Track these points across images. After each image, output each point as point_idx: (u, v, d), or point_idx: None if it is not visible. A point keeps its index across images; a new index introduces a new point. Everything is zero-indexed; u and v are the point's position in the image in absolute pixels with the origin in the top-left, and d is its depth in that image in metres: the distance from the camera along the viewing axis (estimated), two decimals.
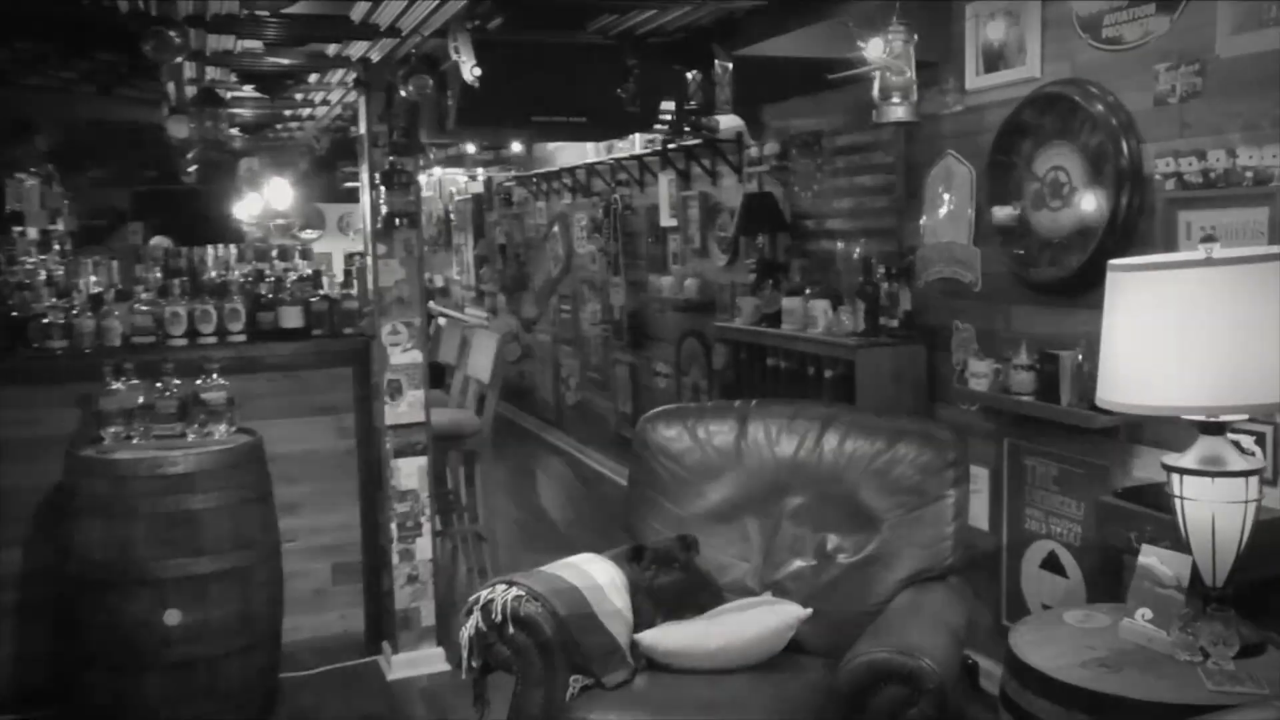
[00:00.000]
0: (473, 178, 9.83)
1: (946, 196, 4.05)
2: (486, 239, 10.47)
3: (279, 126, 5.79)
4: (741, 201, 5.13)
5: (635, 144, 6.64)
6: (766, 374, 4.68)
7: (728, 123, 5.60)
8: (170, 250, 4.99)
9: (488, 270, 10.28)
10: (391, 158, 4.03)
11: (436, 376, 5.00)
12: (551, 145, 8.34)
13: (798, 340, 4.46)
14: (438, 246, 12.61)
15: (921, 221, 4.18)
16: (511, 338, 10.02)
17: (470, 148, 8.31)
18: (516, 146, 8.63)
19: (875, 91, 3.49)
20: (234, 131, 5.71)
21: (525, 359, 9.64)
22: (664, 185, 6.44)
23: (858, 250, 4.37)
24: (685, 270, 6.18)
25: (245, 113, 5.62)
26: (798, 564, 3.16)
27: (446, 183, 11.79)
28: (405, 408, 4.17)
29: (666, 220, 6.46)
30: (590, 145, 7.42)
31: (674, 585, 2.92)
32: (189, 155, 5.37)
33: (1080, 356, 3.33)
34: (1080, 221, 3.36)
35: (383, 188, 4.06)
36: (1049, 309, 3.56)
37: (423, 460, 4.21)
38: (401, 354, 4.15)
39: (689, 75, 3.18)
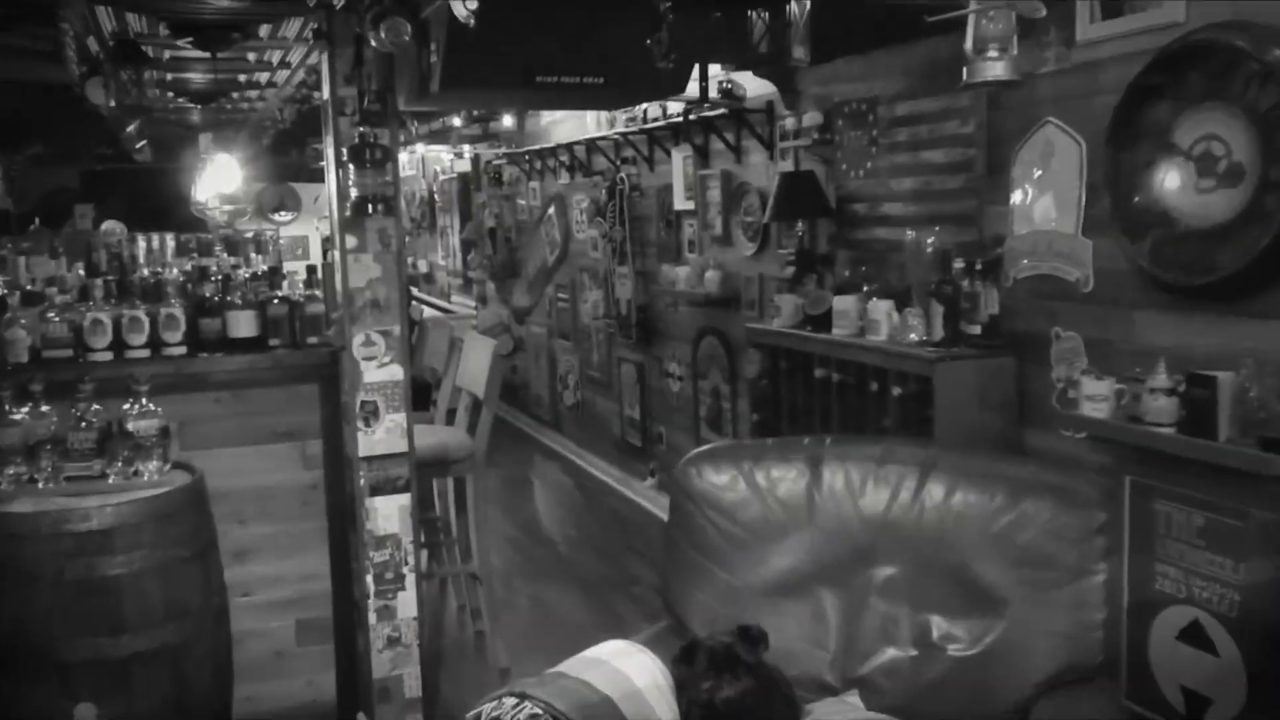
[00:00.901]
0: (459, 155, 9.03)
1: (1044, 175, 3.31)
2: (474, 222, 9.68)
3: (236, 95, 5.01)
4: (777, 182, 4.37)
5: (644, 115, 5.88)
6: (814, 387, 3.94)
7: (756, 90, 4.85)
8: (108, 236, 4.21)
9: (475, 256, 9.49)
10: (362, 128, 3.26)
11: (420, 394, 4.22)
12: (547, 118, 7.56)
13: (854, 349, 3.71)
14: (421, 229, 11.83)
15: (1011, 204, 3.44)
16: (502, 329, 9.25)
17: (456, 120, 7.53)
18: (507, 120, 7.86)
19: (969, 42, 2.75)
20: (183, 102, 4.92)
21: (517, 352, 8.88)
22: (678, 163, 5.67)
23: (930, 241, 3.62)
24: (704, 260, 5.43)
25: (196, 78, 4.82)
26: (891, 654, 2.43)
27: (430, 161, 11.00)
28: (383, 434, 3.41)
29: (681, 203, 5.70)
30: (591, 117, 6.65)
31: (740, 699, 2.18)
32: (129, 128, 4.58)
33: (1246, 381, 2.60)
34: (1245, 206, 2.62)
35: (351, 166, 3.28)
36: (1192, 317, 2.82)
37: (404, 499, 3.45)
38: (378, 369, 3.39)
39: (754, 15, 2.44)
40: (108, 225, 7.15)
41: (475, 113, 6.12)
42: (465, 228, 9.79)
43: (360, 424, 3.40)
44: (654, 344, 6.23)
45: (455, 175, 9.96)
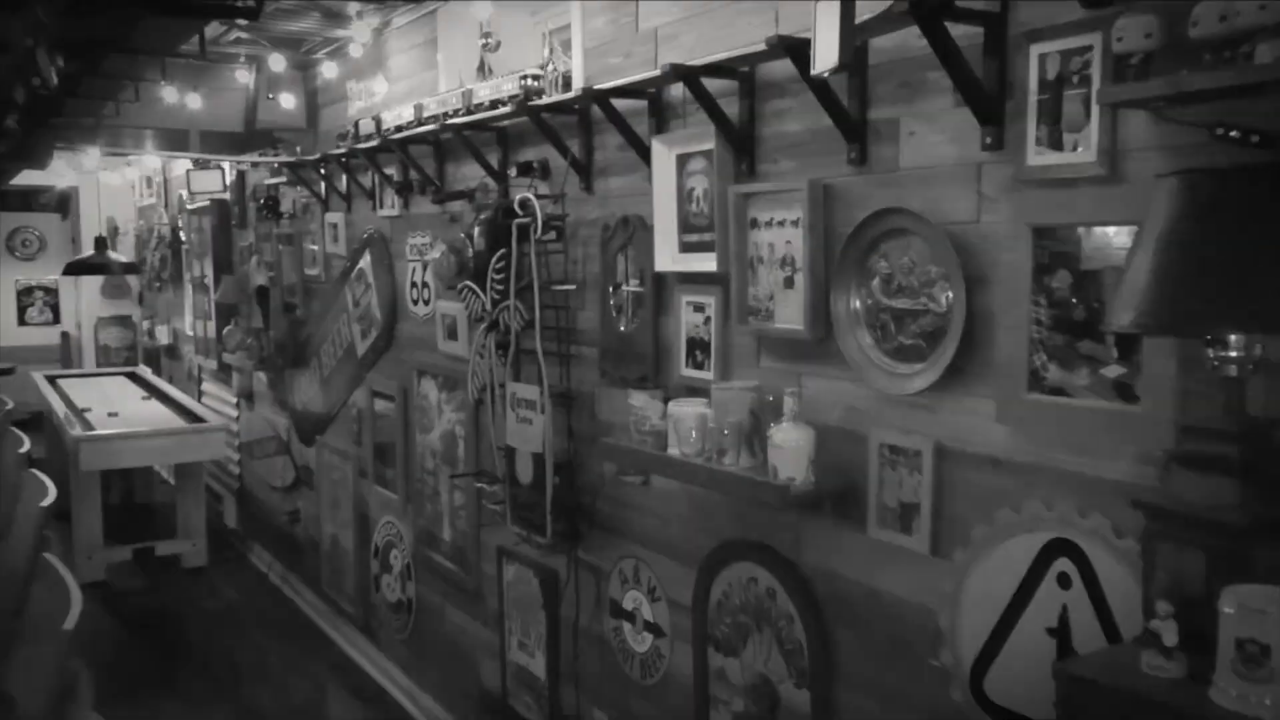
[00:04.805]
0: (203, 165, 5.57)
1: None
2: (236, 276, 6.23)
3: None
4: (1172, 190, 1.33)
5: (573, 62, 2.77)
6: None
7: None
8: None
9: (236, 330, 6.03)
10: None
11: None
12: (360, 101, 4.29)
13: None
14: (163, 281, 8.22)
15: None
16: (277, 448, 5.82)
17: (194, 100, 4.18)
18: (285, 101, 4.58)
19: None
20: None
21: (300, 488, 5.48)
22: (665, 168, 2.56)
23: None
24: (751, 397, 2.31)
25: None
26: None
27: (176, 185, 7.46)
28: None
29: (672, 259, 2.58)
30: (447, 76, 3.47)
31: None
32: None
33: None
34: None
35: None
36: None
37: None
38: None
39: None
40: None
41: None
42: (221, 285, 6.31)
43: None
44: (592, 546, 3.05)
45: (210, 203, 6.47)
